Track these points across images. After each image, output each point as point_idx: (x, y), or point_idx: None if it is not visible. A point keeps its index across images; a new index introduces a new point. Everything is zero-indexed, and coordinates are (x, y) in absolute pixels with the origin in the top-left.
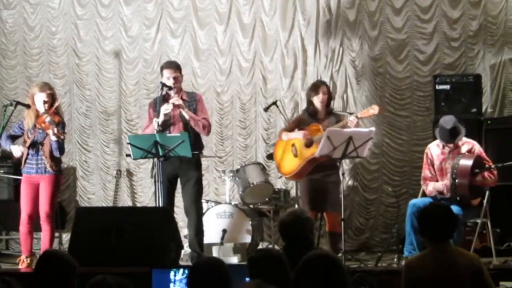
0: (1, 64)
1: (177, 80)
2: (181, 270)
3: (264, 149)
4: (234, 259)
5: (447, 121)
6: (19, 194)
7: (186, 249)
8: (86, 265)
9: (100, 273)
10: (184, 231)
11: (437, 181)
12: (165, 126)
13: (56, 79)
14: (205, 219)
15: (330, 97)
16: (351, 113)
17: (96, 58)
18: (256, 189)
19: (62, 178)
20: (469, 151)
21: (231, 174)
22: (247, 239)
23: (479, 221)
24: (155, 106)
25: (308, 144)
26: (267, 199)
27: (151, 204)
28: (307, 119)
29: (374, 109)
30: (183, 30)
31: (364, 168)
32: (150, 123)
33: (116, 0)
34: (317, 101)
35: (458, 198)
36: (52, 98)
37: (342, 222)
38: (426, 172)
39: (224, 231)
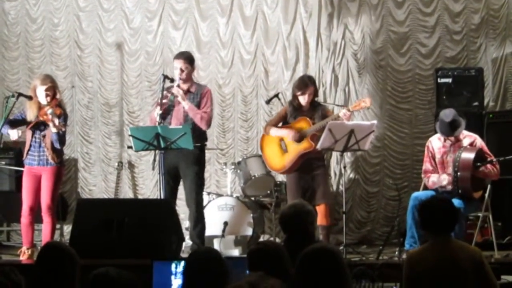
0: (3, 56)
1: (183, 71)
2: (182, 262)
3: None
4: (235, 252)
5: (447, 114)
6: (20, 186)
7: (188, 241)
8: (87, 257)
9: (101, 265)
10: (185, 223)
11: (437, 173)
12: (166, 114)
13: (58, 71)
14: (206, 211)
15: (316, 93)
16: (340, 105)
17: (98, 50)
18: (257, 182)
19: (64, 170)
20: (471, 144)
21: (233, 167)
22: (248, 231)
23: (480, 214)
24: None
25: (299, 138)
26: (268, 192)
27: (153, 196)
28: (292, 112)
29: (366, 102)
30: (185, 22)
31: (366, 161)
32: (155, 107)
33: None
34: (302, 100)
35: (460, 191)
36: (53, 91)
37: (344, 216)
38: (427, 165)
39: (226, 223)
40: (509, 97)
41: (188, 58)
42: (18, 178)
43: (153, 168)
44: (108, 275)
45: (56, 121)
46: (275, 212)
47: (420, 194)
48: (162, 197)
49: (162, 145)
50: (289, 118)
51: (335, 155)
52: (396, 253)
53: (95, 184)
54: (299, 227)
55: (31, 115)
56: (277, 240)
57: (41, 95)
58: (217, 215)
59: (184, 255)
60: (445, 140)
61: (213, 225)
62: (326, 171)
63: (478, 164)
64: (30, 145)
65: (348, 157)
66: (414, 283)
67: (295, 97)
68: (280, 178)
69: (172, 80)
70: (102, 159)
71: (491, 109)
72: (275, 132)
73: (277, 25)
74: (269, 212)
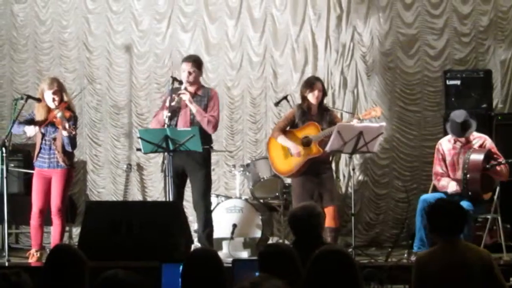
0: (12, 58)
1: (190, 73)
2: None
3: None
4: (244, 254)
5: (458, 115)
6: (29, 188)
7: (196, 244)
8: (96, 260)
9: (110, 267)
10: (194, 225)
11: (448, 176)
12: (173, 116)
13: (67, 73)
14: (215, 213)
15: (324, 93)
16: (349, 112)
17: (107, 52)
18: (266, 184)
19: (74, 172)
20: (481, 145)
21: (241, 169)
22: (257, 233)
23: (489, 216)
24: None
25: (306, 143)
26: (277, 194)
27: (161, 198)
28: (301, 116)
29: (377, 112)
30: (194, 24)
31: (375, 163)
32: (160, 111)
33: None
34: (312, 97)
35: (469, 193)
36: (60, 94)
37: (353, 217)
38: (437, 168)
39: (234, 225)
40: None
41: (196, 62)
42: (26, 180)
43: (162, 171)
44: (117, 278)
45: (66, 124)
46: (283, 214)
47: (428, 196)
48: (170, 199)
49: (171, 147)
50: (297, 122)
51: (344, 157)
52: (405, 255)
53: (104, 186)
54: (309, 229)
55: (39, 117)
56: (286, 242)
57: (49, 99)
58: (225, 217)
59: None
60: (455, 142)
61: (221, 227)
62: (333, 174)
63: (488, 166)
64: (40, 148)
65: (356, 159)
66: (423, 286)
67: (304, 98)
68: (289, 180)
69: (180, 82)
70: (110, 161)
71: (499, 111)
72: (282, 140)
73: (285, 27)
74: (278, 214)
